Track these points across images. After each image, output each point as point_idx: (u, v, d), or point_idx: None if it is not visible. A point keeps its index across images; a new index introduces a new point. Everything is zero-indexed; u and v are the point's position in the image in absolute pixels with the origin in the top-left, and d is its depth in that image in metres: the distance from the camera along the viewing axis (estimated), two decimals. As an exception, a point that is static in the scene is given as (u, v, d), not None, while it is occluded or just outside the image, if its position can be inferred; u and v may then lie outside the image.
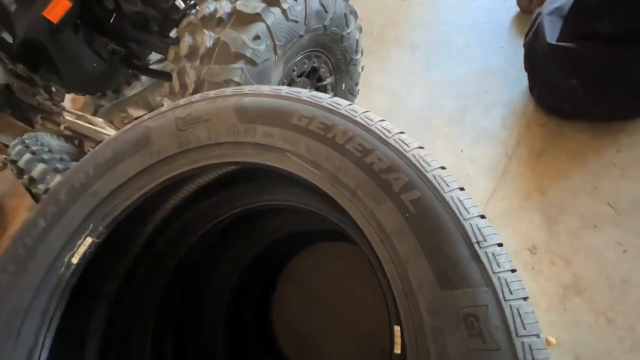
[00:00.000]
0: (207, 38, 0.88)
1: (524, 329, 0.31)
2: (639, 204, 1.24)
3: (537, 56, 1.37)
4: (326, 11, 1.08)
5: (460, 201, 0.38)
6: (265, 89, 0.54)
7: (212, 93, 0.57)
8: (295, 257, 1.25)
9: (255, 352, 1.10)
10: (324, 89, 1.37)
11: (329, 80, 1.37)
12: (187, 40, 0.91)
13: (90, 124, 1.47)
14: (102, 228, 0.58)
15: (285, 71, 1.07)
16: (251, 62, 0.89)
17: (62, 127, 1.43)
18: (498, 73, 1.67)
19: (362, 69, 1.55)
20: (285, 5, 0.92)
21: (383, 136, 0.44)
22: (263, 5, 0.89)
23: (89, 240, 0.57)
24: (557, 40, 1.25)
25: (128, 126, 0.60)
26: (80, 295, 0.60)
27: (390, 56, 1.92)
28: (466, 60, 1.75)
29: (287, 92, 0.53)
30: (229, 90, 0.56)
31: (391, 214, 0.40)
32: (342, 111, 0.48)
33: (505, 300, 0.32)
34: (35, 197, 1.08)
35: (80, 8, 1.17)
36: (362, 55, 1.48)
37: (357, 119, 0.46)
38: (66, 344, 0.57)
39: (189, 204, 0.79)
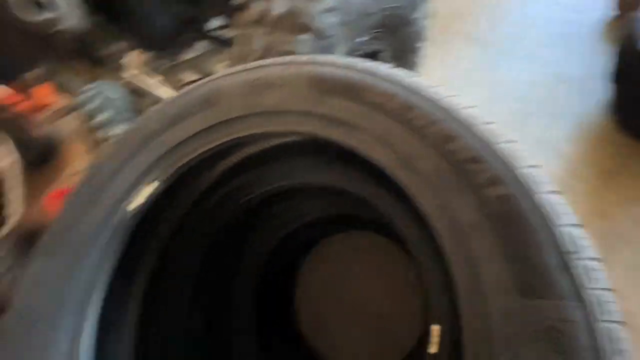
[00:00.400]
0: (280, 5, 0.86)
1: (620, 356, 0.27)
2: None
3: (629, 67, 1.22)
4: (400, -9, 1.03)
5: (553, 205, 0.34)
6: (343, 60, 0.52)
7: (286, 59, 0.56)
8: (324, 242, 1.25)
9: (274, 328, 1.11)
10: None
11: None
12: (258, 6, 0.90)
13: (147, 82, 1.53)
14: (165, 177, 0.60)
15: (348, 50, 1.03)
16: (319, 34, 0.87)
17: (125, 80, 1.50)
18: (573, 81, 1.53)
19: (424, 57, 1.48)
20: (361, -21, 0.88)
21: (469, 124, 0.41)
22: (339, -24, 0.86)
23: (151, 186, 0.60)
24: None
25: (199, 83, 0.61)
26: (134, 241, 0.63)
27: (453, 49, 1.81)
28: (538, 62, 1.62)
29: (363, 66, 0.50)
30: (304, 58, 0.55)
31: (470, 208, 0.37)
32: (424, 92, 0.45)
33: (597, 320, 0.29)
34: (96, 143, 1.15)
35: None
36: (424, 43, 1.40)
37: (441, 102, 0.43)
38: (118, 279, 0.60)
39: (239, 170, 0.80)
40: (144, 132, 0.60)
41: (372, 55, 1.23)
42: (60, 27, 0.97)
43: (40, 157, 2.55)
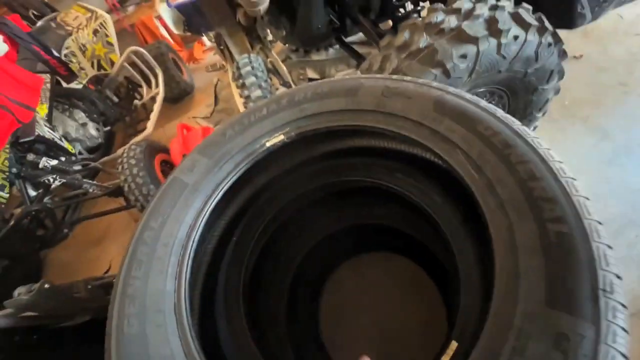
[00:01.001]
0: (423, 40, 1.02)
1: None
2: None
3: None
4: (536, 60, 1.10)
5: (605, 254, 0.42)
6: (467, 95, 0.64)
7: (421, 80, 0.70)
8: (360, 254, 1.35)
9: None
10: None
11: (496, 122, 1.37)
12: (405, 35, 1.07)
13: (283, 67, 1.84)
14: (293, 134, 0.78)
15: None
16: (447, 73, 1.00)
17: (269, 60, 1.82)
18: (697, 208, 1.38)
19: (535, 129, 1.49)
20: (503, 41, 0.99)
21: (556, 173, 0.50)
22: (485, 32, 0.98)
23: (281, 137, 0.79)
24: None
25: (347, 76, 0.78)
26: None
27: (569, 132, 1.76)
28: (661, 176, 1.49)
29: (485, 105, 0.62)
30: (435, 84, 0.68)
31: (530, 234, 0.46)
32: (527, 138, 0.55)
33: (604, 343, 0.36)
34: (238, 97, 1.43)
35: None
36: (542, 115, 1.42)
37: (539, 150, 0.52)
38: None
39: (341, 154, 0.96)
40: (294, 97, 0.80)
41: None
42: (257, 8, 1.26)
43: (178, 96, 3.12)
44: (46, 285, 0.88)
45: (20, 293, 0.85)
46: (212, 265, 0.89)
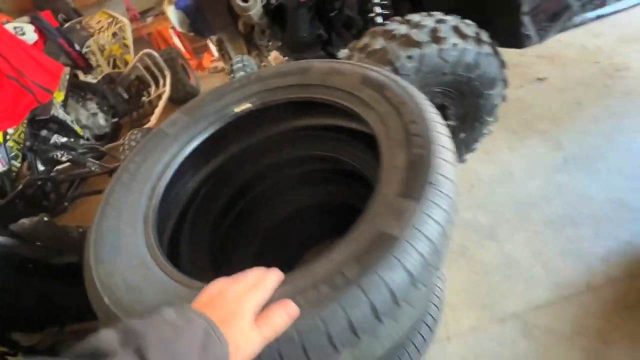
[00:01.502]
0: (379, 43, 1.23)
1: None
2: None
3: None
4: (477, 67, 1.30)
5: (441, 165, 0.59)
6: (385, 72, 0.84)
7: (355, 62, 0.90)
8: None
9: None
10: (443, 128, 1.58)
11: (451, 123, 1.56)
12: (366, 39, 1.29)
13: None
14: (257, 103, 0.98)
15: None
16: (396, 70, 1.20)
17: (263, 64, 2.07)
18: (634, 211, 1.52)
19: (489, 133, 1.68)
20: (444, 46, 1.20)
21: (427, 120, 0.68)
22: (428, 39, 1.19)
23: (247, 105, 0.98)
24: None
25: (306, 60, 0.99)
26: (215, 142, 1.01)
27: (527, 142, 1.95)
28: (605, 184, 1.64)
29: (394, 77, 0.81)
30: (365, 65, 0.88)
31: (403, 156, 0.63)
32: (417, 99, 0.73)
33: (423, 212, 0.53)
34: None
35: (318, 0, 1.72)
36: (494, 120, 1.61)
37: (421, 106, 0.71)
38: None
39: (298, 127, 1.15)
40: (261, 75, 1.00)
41: (440, 107, 1.51)
42: (249, 13, 1.51)
43: (183, 97, 3.38)
44: (45, 219, 1.06)
45: (24, 221, 1.03)
46: (181, 215, 1.06)
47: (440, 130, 0.66)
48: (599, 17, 1.62)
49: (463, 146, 1.67)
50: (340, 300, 0.47)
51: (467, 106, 1.50)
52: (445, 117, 1.55)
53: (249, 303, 0.44)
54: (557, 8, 1.52)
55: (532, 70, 2.37)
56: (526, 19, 1.51)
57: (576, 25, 1.64)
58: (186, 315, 0.40)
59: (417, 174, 0.59)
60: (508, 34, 1.57)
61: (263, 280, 0.49)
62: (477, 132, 1.63)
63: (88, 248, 0.68)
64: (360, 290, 0.48)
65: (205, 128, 0.96)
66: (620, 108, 1.94)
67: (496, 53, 1.34)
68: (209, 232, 1.17)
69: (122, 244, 0.69)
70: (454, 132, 1.61)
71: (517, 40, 1.57)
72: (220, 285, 0.48)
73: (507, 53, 2.58)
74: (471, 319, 1.39)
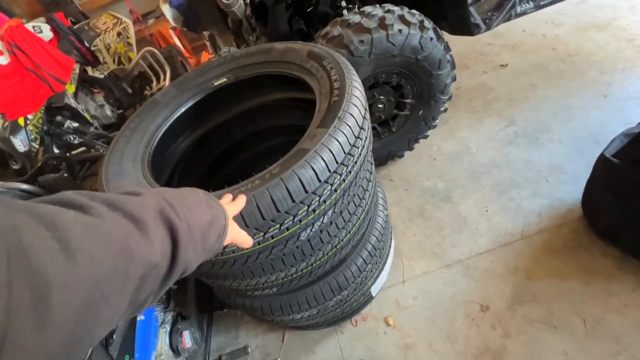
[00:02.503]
0: (337, 30, 1.48)
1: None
2: (615, 338, 1.23)
3: (595, 166, 1.45)
4: (422, 49, 1.54)
5: (349, 102, 0.83)
6: (325, 48, 1.08)
7: (307, 43, 1.14)
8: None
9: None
10: (403, 105, 1.82)
11: (409, 100, 1.80)
12: (328, 28, 1.53)
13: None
14: (231, 78, 1.23)
15: (373, 72, 1.58)
16: (351, 53, 1.44)
17: (249, 55, 2.32)
18: (568, 174, 1.75)
19: (446, 110, 1.91)
20: (390, 32, 1.44)
21: (345, 76, 0.92)
22: (376, 26, 1.43)
23: (224, 79, 1.23)
24: (612, 156, 1.33)
25: (267, 43, 1.23)
26: (199, 111, 1.27)
27: (485, 120, 2.17)
28: (547, 152, 1.87)
29: (330, 51, 1.05)
30: (311, 44, 1.13)
31: (326, 104, 0.88)
32: (342, 66, 0.97)
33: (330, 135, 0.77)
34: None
35: (296, -3, 1.97)
36: (448, 98, 1.84)
37: (342, 67, 0.95)
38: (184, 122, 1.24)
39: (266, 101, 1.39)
40: (233, 56, 1.25)
41: (397, 86, 1.74)
42: (234, 9, 1.76)
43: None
44: (65, 175, 1.32)
45: (49, 176, 1.29)
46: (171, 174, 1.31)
47: (354, 85, 0.90)
48: (538, 7, 1.85)
49: (422, 122, 1.90)
50: (267, 186, 0.72)
51: (421, 85, 1.73)
52: (403, 95, 1.79)
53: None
54: (498, -1, 1.75)
55: (496, 57, 2.59)
56: (472, 10, 1.75)
57: (519, 15, 1.87)
58: (186, 189, 0.54)
59: (331, 113, 0.83)
60: (460, 24, 1.81)
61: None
62: (434, 109, 1.86)
63: (100, 176, 0.93)
64: (280, 180, 0.72)
65: (190, 97, 1.22)
66: (567, 88, 2.16)
67: (439, 37, 1.58)
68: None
69: (124, 172, 0.94)
70: (413, 109, 1.84)
71: (468, 28, 1.80)
72: None
73: (476, 43, 2.80)
74: (423, 266, 1.63)
